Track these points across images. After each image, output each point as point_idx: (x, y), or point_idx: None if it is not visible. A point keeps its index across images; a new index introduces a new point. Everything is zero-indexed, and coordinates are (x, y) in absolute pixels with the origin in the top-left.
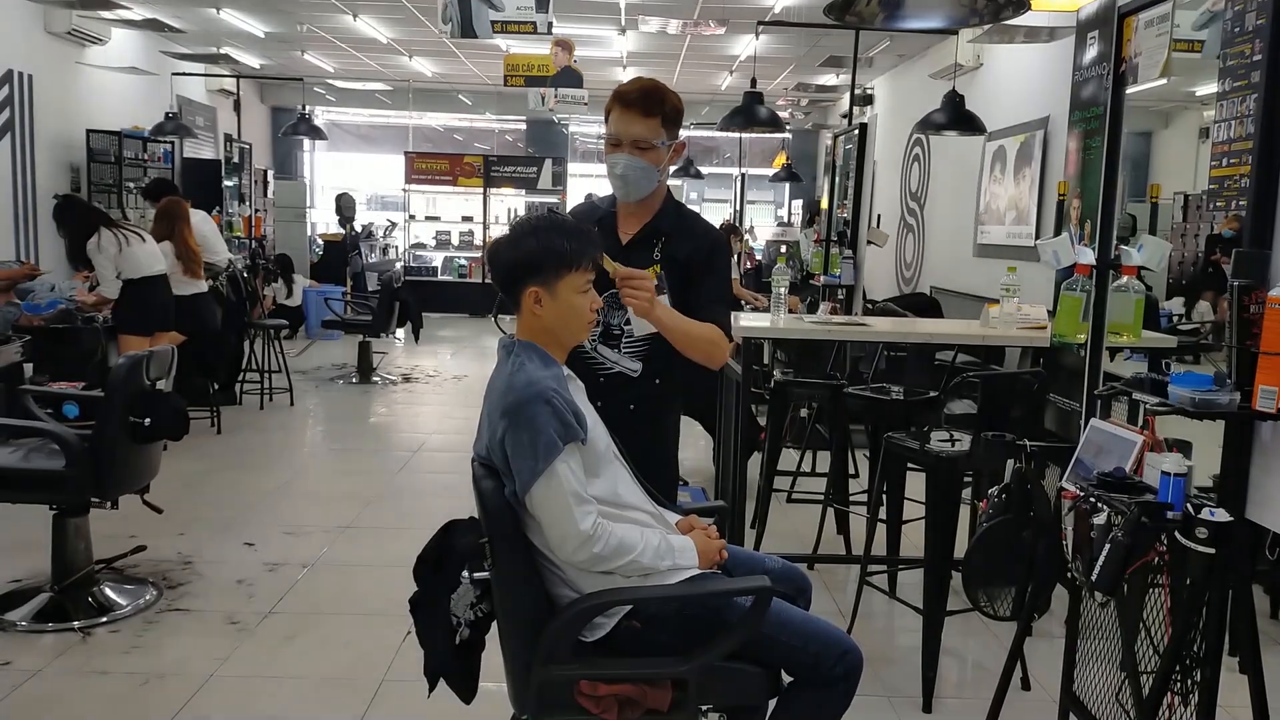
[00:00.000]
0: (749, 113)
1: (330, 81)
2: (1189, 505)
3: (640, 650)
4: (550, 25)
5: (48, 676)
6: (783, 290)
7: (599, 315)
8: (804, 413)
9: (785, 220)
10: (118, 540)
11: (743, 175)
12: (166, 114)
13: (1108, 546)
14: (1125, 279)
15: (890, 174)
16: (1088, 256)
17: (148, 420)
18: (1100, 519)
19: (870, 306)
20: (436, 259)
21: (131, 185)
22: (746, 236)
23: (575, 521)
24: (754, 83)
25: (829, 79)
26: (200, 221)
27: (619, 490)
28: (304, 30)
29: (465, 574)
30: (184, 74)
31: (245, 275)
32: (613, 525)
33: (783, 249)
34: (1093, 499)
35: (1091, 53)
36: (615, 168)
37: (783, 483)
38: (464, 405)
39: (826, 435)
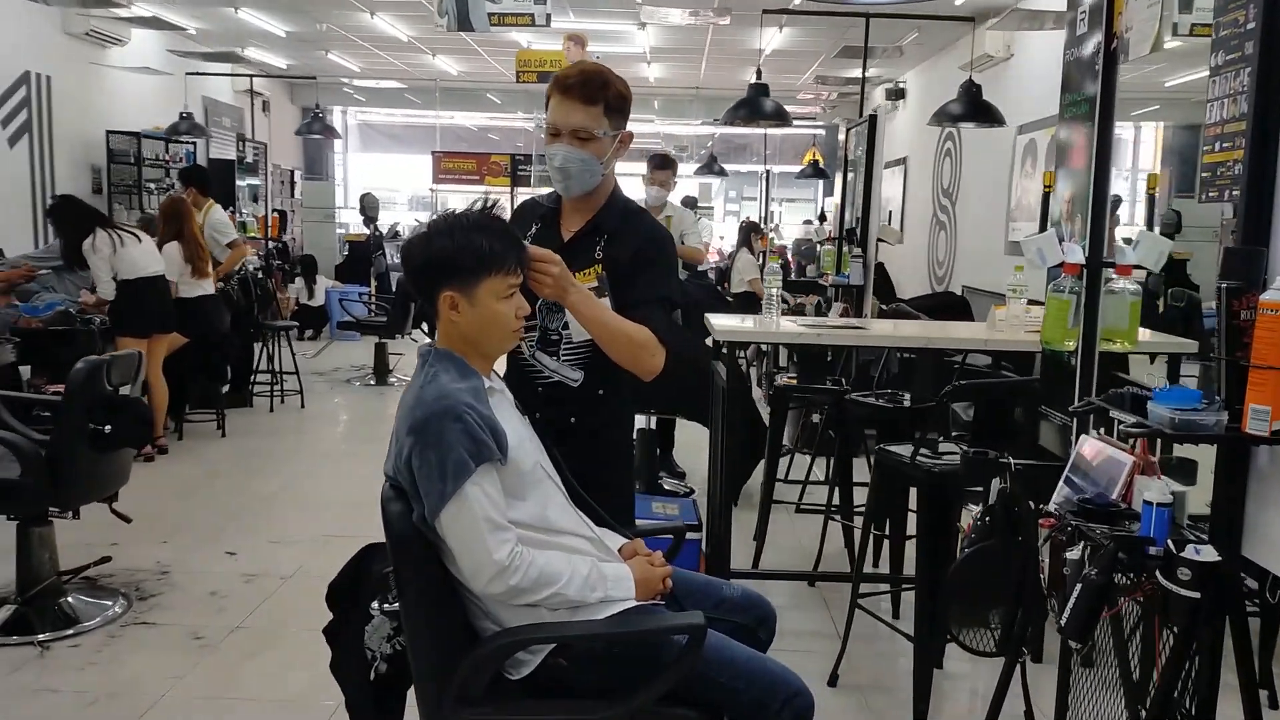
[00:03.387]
0: (754, 106)
1: (356, 81)
2: (1170, 542)
3: (567, 691)
4: (548, 17)
5: None
6: (774, 290)
7: (539, 319)
8: (816, 418)
9: (809, 219)
10: (98, 548)
11: (768, 172)
12: (180, 114)
13: (1078, 586)
14: (1119, 279)
15: (922, 169)
16: (1076, 255)
17: (108, 427)
18: (1074, 553)
19: (884, 308)
20: None
21: (153, 186)
22: (771, 234)
23: (489, 550)
24: (759, 74)
25: (857, 72)
26: (220, 218)
27: (548, 513)
28: (324, 29)
29: (375, 605)
30: (199, 74)
31: (260, 277)
32: (534, 554)
33: (772, 247)
34: (1070, 528)
35: (1081, 30)
36: (554, 160)
37: (793, 492)
38: None
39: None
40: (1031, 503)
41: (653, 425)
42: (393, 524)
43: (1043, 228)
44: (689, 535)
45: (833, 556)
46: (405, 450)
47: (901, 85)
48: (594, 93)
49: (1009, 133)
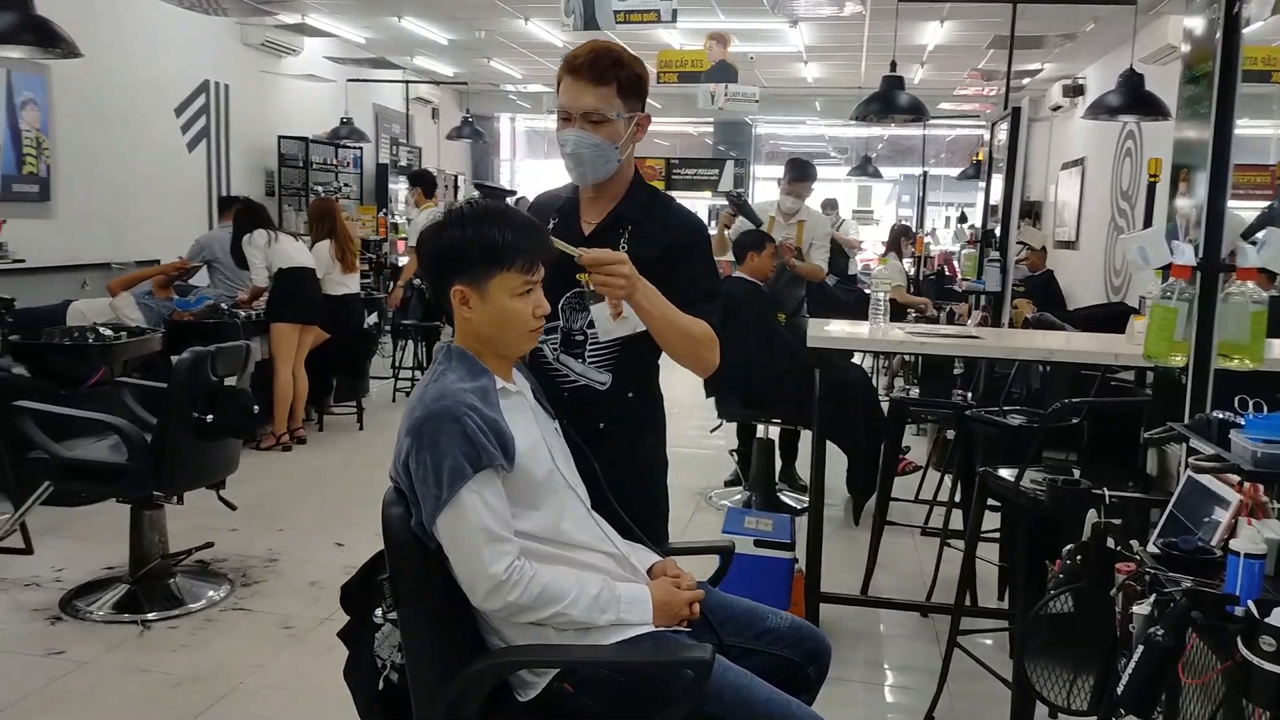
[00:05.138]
0: (887, 100)
1: (521, 88)
2: (1251, 604)
3: (573, 717)
4: (674, 13)
5: (90, 670)
6: (882, 295)
7: (561, 319)
8: (950, 434)
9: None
10: (218, 533)
11: (925, 174)
12: (341, 120)
13: (1139, 648)
14: (1241, 284)
15: (1101, 170)
16: (1186, 255)
17: (210, 416)
18: (1143, 607)
19: (1028, 318)
20: None
21: (320, 189)
22: (927, 239)
23: (485, 563)
24: (894, 65)
25: (1032, 65)
26: (424, 220)
27: (563, 525)
28: (483, 36)
29: (379, 613)
30: (360, 80)
31: None
32: (537, 569)
33: (928, 253)
34: (1147, 577)
35: None
36: (564, 145)
37: (923, 513)
38: None
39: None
40: (1134, 542)
41: (773, 435)
42: (391, 528)
43: (1148, 223)
44: (781, 554)
45: (952, 585)
46: (403, 451)
47: (1081, 81)
48: (604, 72)
49: None
